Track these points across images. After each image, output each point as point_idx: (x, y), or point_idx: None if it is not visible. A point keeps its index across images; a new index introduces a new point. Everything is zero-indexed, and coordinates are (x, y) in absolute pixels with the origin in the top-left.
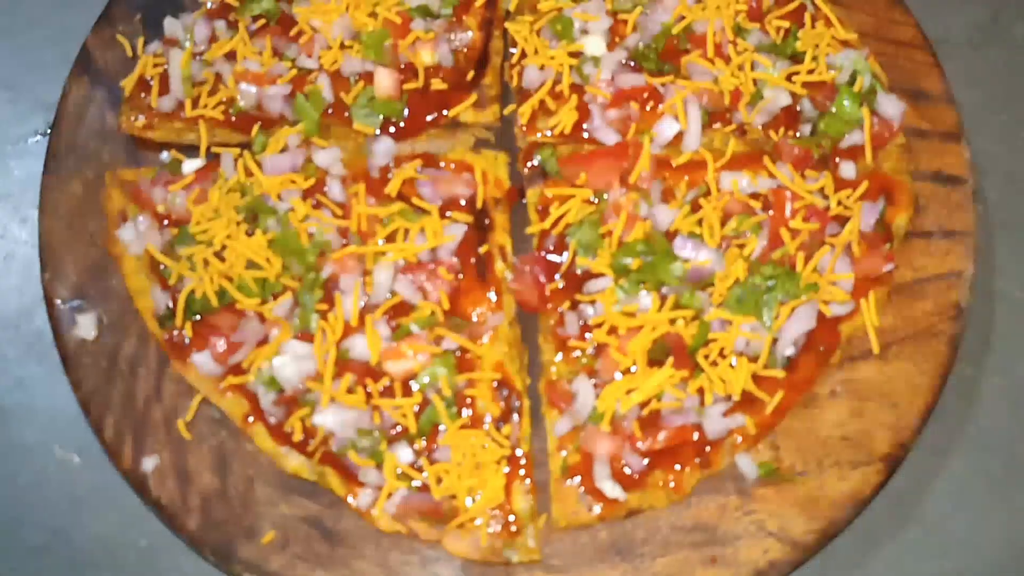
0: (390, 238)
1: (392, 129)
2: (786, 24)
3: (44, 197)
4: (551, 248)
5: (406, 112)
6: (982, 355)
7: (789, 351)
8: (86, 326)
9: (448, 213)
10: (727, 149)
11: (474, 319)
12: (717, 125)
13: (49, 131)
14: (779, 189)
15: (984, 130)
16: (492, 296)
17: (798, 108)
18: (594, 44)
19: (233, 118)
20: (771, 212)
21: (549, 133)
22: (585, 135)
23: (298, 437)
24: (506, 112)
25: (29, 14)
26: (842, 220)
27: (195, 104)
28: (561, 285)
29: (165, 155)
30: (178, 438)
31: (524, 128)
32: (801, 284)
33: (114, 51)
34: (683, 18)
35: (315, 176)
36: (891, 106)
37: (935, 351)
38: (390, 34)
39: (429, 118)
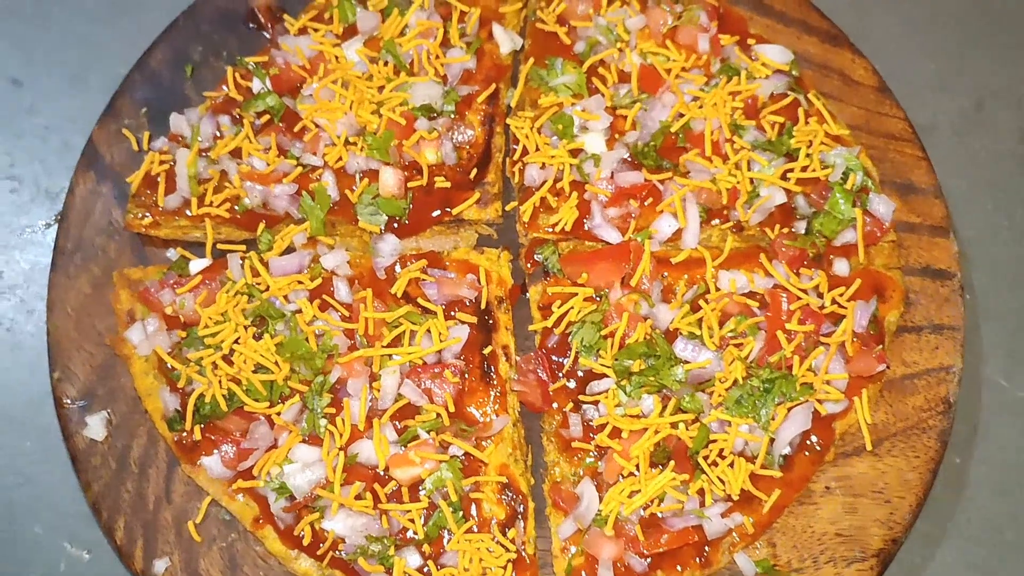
0: (396, 340)
1: (396, 226)
2: (781, 119)
3: (52, 295)
4: (554, 346)
5: (410, 208)
6: (969, 444)
7: (785, 450)
8: (96, 427)
9: (453, 313)
10: (725, 246)
11: (479, 420)
12: (715, 222)
13: (54, 222)
14: (775, 290)
15: (970, 219)
16: (495, 397)
17: (793, 205)
18: (594, 142)
19: (239, 216)
20: (768, 313)
21: (551, 230)
22: (587, 230)
23: (308, 541)
24: (508, 208)
25: (29, 103)
26: (836, 318)
27: (201, 202)
28: (569, 384)
29: (171, 252)
30: (189, 540)
31: (526, 225)
32: (797, 386)
33: (120, 145)
34: (681, 115)
35: (322, 276)
36: (882, 206)
37: (925, 446)
38: (395, 135)
39: (433, 214)
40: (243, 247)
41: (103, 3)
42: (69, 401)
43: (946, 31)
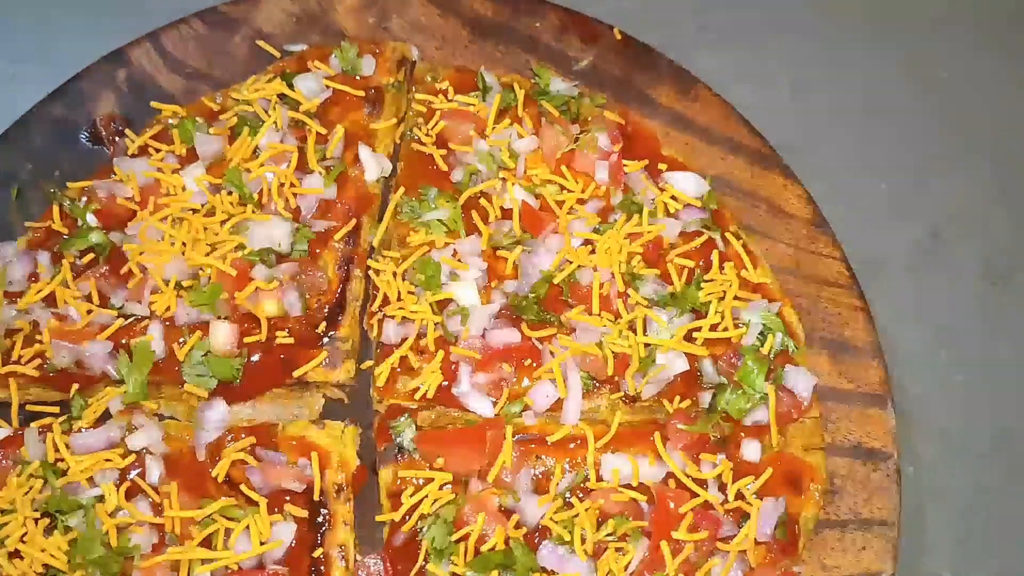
0: (209, 540)
1: (228, 390)
2: (690, 264)
3: None
4: (402, 545)
5: (245, 368)
6: None
7: None
8: None
9: (279, 507)
10: (612, 421)
11: None
12: (604, 389)
13: None
14: (663, 488)
15: (918, 374)
16: None
17: (699, 372)
18: (465, 293)
19: (50, 375)
20: (655, 515)
21: (411, 396)
22: (453, 397)
23: None
24: (363, 367)
25: None
26: (740, 513)
27: (7, 359)
28: None
29: None
30: None
31: (381, 390)
32: None
33: None
34: (569, 262)
35: (135, 453)
36: (801, 381)
37: None
38: (224, 287)
39: (273, 377)
40: (56, 409)
41: None
42: None
43: (901, 149)
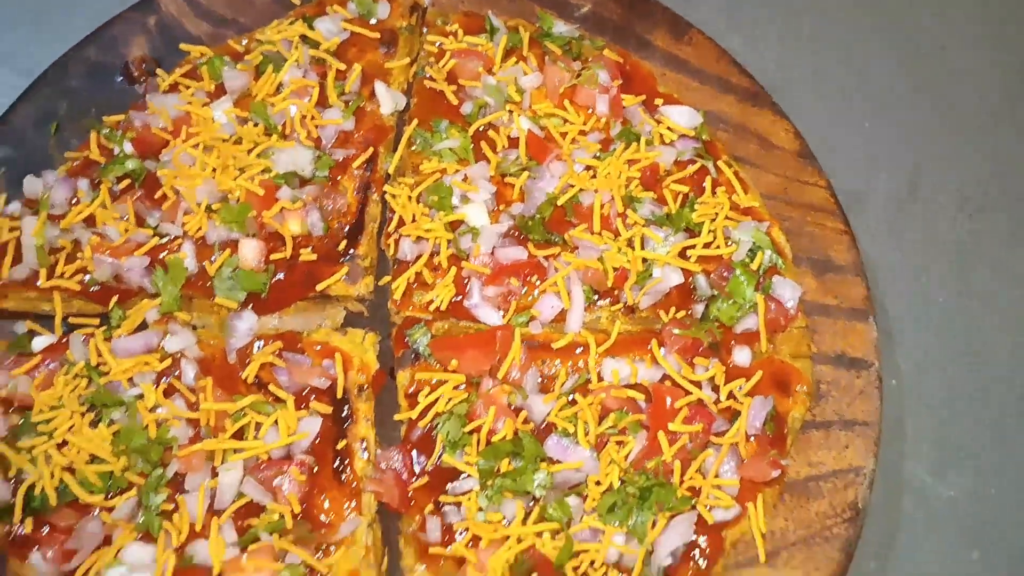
0: (241, 432)
1: (255, 303)
2: (684, 189)
3: None
4: (418, 439)
5: (272, 283)
6: (888, 548)
7: (667, 561)
8: None
9: (305, 403)
10: (612, 330)
11: (326, 522)
12: (604, 302)
13: None
14: (660, 385)
15: (899, 298)
16: (350, 495)
17: (693, 286)
18: (475, 214)
19: (91, 289)
20: (651, 408)
21: (425, 308)
22: (464, 310)
23: None
24: (380, 283)
25: None
26: (732, 413)
27: (51, 274)
28: (425, 483)
29: (19, 326)
30: None
31: (398, 303)
32: (678, 495)
33: None
34: (571, 186)
35: (171, 357)
36: (788, 290)
37: (828, 557)
38: (253, 206)
39: (297, 290)
40: (95, 322)
41: None
42: None
43: (884, 93)
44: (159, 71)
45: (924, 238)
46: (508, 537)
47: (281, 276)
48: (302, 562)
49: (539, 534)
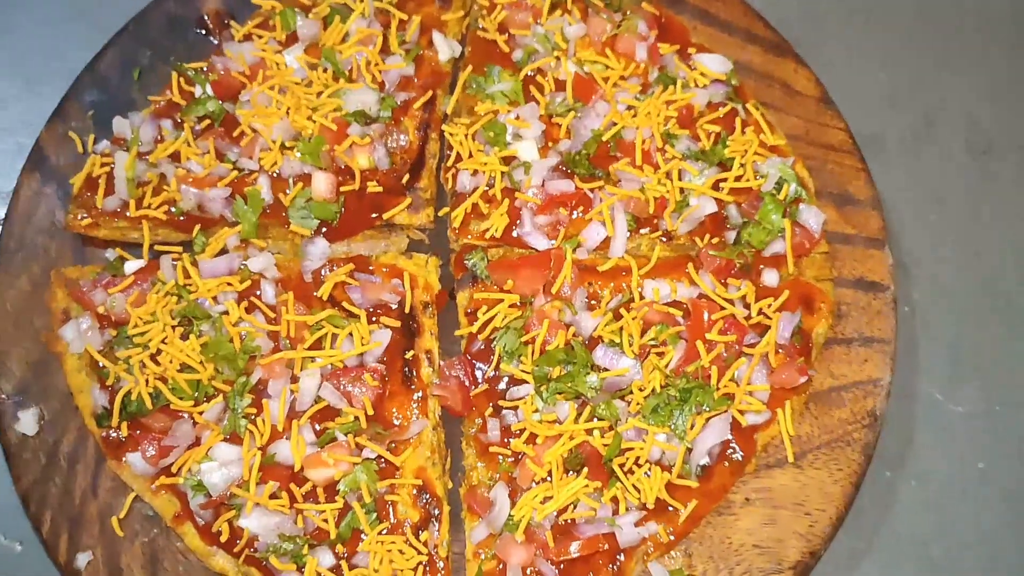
0: (318, 343)
1: (327, 230)
2: (716, 129)
3: None
4: (478, 352)
5: (342, 212)
6: (901, 458)
7: (704, 460)
8: (28, 422)
9: (376, 318)
10: (652, 255)
11: (397, 424)
12: (644, 231)
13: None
14: (697, 300)
15: (913, 233)
16: (417, 400)
17: (725, 215)
18: (527, 150)
19: (176, 218)
20: (690, 323)
21: (481, 236)
22: (516, 237)
23: (225, 538)
24: (440, 214)
25: None
26: (762, 329)
27: (139, 204)
28: (485, 390)
29: (110, 253)
30: (112, 535)
31: (456, 231)
32: (716, 397)
33: (66, 148)
34: (614, 124)
35: (251, 279)
36: (812, 217)
37: (849, 459)
38: (326, 140)
39: (365, 219)
40: (179, 249)
41: (59, 8)
42: (4, 396)
43: (898, 44)
44: (233, 23)
45: (936, 177)
46: (562, 435)
47: (350, 207)
48: (376, 457)
49: (590, 431)
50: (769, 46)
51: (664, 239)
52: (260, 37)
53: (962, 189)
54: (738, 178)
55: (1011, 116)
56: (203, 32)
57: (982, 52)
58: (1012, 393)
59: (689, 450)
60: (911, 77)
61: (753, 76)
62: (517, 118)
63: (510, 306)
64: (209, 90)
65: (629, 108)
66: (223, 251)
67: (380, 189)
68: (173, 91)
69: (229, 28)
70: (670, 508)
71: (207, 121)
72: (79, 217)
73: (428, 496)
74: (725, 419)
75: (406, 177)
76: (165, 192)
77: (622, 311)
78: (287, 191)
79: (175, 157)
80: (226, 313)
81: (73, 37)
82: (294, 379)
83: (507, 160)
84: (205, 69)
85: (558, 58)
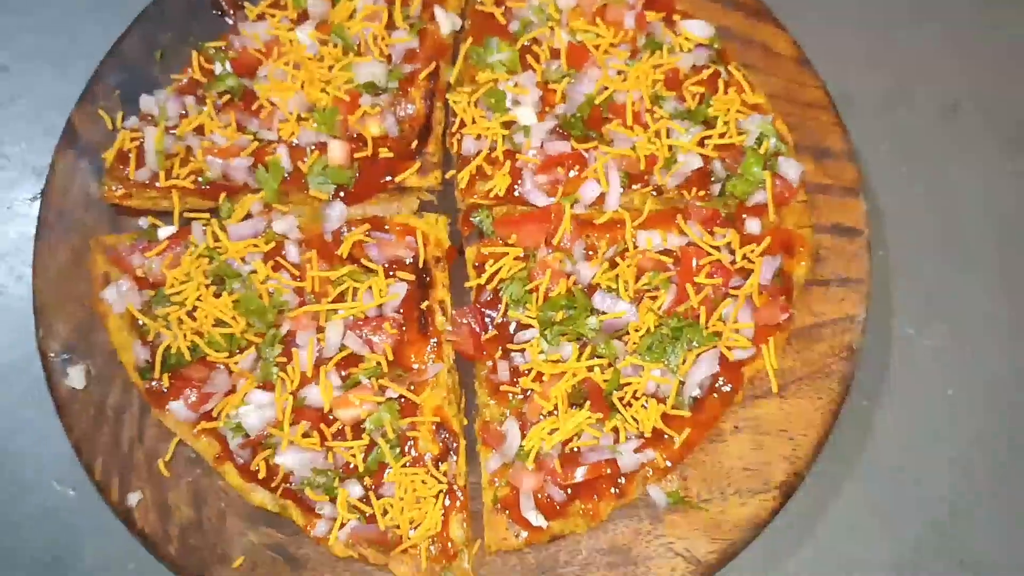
0: (340, 297)
1: (344, 194)
2: (701, 90)
3: (36, 262)
4: (486, 301)
5: (357, 177)
6: (877, 390)
7: (696, 392)
8: (76, 377)
9: (393, 272)
10: (644, 208)
11: (415, 368)
12: (636, 186)
13: (38, 196)
14: (686, 248)
15: (886, 183)
16: (432, 346)
17: (710, 169)
18: (525, 114)
19: (203, 187)
20: (680, 268)
21: (486, 196)
22: (518, 196)
23: (263, 475)
24: (447, 176)
25: (16, 88)
26: (746, 272)
27: (168, 175)
28: (494, 335)
29: (143, 221)
30: (158, 476)
31: (463, 191)
32: (704, 334)
33: (96, 125)
34: (606, 88)
35: (275, 240)
36: (791, 169)
37: (829, 388)
38: (340, 110)
39: (381, 181)
40: (207, 215)
41: None
42: (53, 355)
43: (872, 8)
44: (247, 4)
45: (907, 131)
46: (565, 373)
47: (364, 172)
48: (398, 397)
49: (591, 369)
50: (749, 11)
51: (655, 193)
52: (273, 16)
53: (931, 143)
54: (722, 135)
55: (979, 75)
56: (218, 13)
57: (952, 16)
58: (976, 327)
59: (682, 383)
60: (885, 40)
61: (735, 40)
62: (516, 85)
63: (515, 258)
64: (228, 67)
65: (619, 73)
66: (248, 216)
67: (391, 155)
68: (194, 69)
69: (243, 8)
70: (666, 436)
71: (228, 96)
72: (114, 189)
73: (446, 432)
74: (714, 355)
75: (415, 143)
76: (192, 163)
77: (618, 259)
78: (305, 159)
79: (199, 130)
80: (254, 272)
81: (94, 22)
82: (320, 330)
83: (507, 124)
84: (224, 48)
85: (552, 28)
